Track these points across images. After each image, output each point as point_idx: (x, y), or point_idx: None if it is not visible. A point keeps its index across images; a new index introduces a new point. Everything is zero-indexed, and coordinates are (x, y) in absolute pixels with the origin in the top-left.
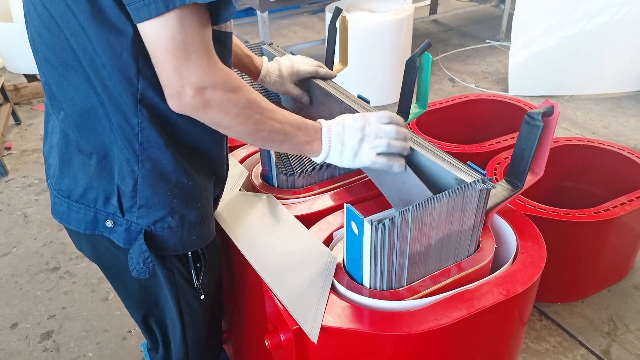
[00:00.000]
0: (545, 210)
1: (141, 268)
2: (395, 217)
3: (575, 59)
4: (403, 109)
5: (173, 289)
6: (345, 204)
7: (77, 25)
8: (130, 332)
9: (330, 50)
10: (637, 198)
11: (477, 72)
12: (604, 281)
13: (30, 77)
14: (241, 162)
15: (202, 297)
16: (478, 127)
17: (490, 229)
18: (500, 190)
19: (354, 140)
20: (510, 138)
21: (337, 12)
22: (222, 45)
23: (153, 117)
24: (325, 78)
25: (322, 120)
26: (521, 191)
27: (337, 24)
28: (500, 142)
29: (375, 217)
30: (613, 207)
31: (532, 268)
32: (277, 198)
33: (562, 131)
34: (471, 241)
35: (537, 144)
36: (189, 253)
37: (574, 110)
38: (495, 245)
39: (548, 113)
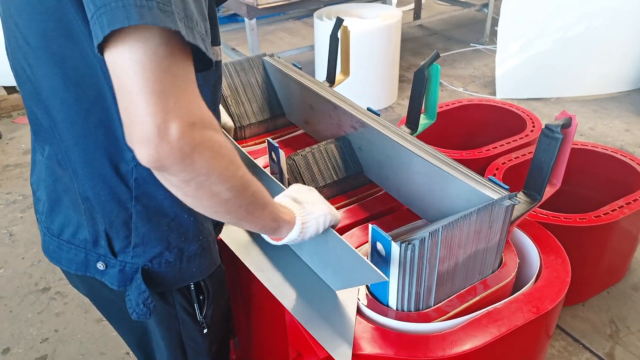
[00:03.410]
0: (547, 215)
1: (141, 310)
2: (425, 237)
3: (560, 61)
4: (412, 121)
5: (174, 325)
6: (370, 225)
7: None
8: (128, 354)
9: (333, 61)
10: (634, 201)
11: (465, 76)
12: (603, 283)
13: (10, 89)
14: None
15: (205, 330)
16: (472, 133)
17: (511, 244)
18: (519, 203)
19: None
20: (506, 143)
21: (339, 22)
22: (217, 75)
23: None
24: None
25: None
26: (540, 204)
27: (339, 34)
28: (496, 147)
29: (401, 236)
30: (612, 211)
31: (559, 283)
32: None
33: None
34: (496, 257)
35: (556, 156)
36: (192, 286)
37: None
38: (518, 260)
39: (566, 125)
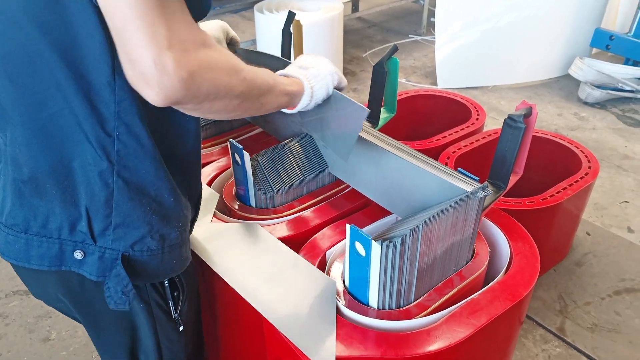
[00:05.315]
0: (498, 200)
1: (120, 298)
2: (406, 235)
3: (495, 51)
4: (373, 115)
5: (150, 324)
6: (348, 225)
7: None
8: None
9: (286, 56)
10: (576, 182)
11: (406, 67)
12: (550, 262)
13: None
14: (210, 182)
15: (182, 328)
16: (419, 123)
17: (481, 234)
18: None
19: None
20: (455, 132)
21: (291, 16)
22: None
23: (131, 120)
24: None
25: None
26: (505, 192)
27: (292, 29)
28: (445, 136)
29: (380, 234)
30: (557, 193)
31: (529, 269)
32: (257, 219)
33: (491, 121)
34: (469, 248)
35: (519, 145)
36: (166, 281)
37: (498, 100)
38: (489, 249)
39: (527, 114)
